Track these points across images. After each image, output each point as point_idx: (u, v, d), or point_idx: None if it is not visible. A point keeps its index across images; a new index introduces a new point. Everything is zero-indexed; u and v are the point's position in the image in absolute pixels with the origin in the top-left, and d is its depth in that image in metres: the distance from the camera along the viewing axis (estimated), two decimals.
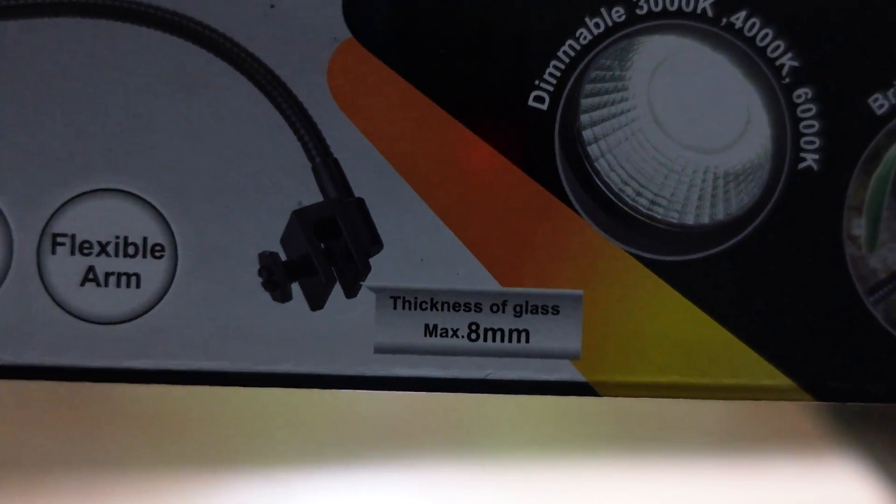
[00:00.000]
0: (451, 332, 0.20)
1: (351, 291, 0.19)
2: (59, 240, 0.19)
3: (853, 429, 0.45)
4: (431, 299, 0.20)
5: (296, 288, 0.19)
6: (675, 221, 0.20)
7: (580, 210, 0.20)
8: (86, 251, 0.19)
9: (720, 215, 0.20)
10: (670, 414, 0.49)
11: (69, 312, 0.19)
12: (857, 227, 0.20)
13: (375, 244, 0.19)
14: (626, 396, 0.20)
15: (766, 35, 0.20)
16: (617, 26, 0.20)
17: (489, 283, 0.20)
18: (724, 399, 0.20)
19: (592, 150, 0.20)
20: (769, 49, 0.20)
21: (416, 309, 0.20)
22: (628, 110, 0.20)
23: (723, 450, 0.48)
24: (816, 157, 0.20)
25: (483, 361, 0.20)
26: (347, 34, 0.19)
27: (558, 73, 0.20)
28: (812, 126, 0.20)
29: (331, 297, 0.19)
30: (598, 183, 0.20)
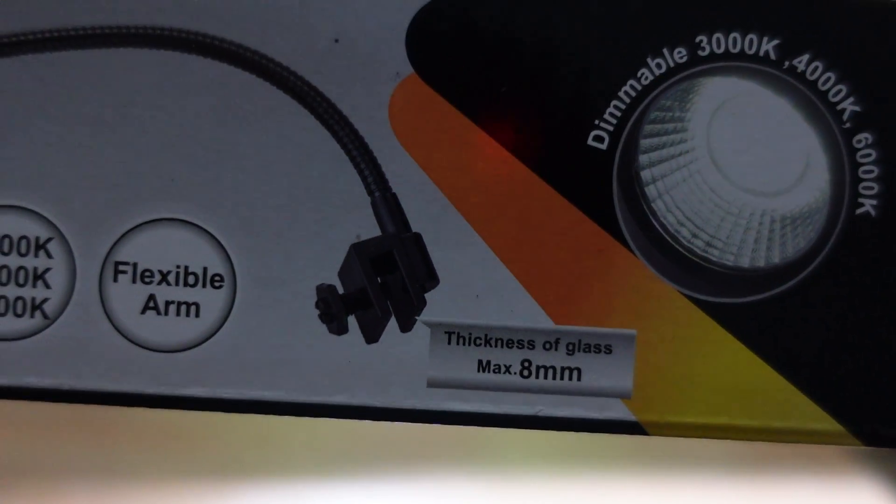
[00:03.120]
0: (503, 369, 0.20)
1: (406, 326, 0.20)
2: (122, 268, 0.19)
3: (879, 452, 0.45)
4: (485, 335, 0.20)
5: (352, 321, 0.20)
6: (730, 264, 0.20)
7: (636, 250, 0.20)
8: (147, 280, 0.19)
9: (776, 259, 0.20)
10: None
11: (129, 339, 0.19)
12: None
13: (432, 279, 0.20)
14: (676, 436, 0.20)
15: (829, 79, 0.20)
16: (679, 67, 0.20)
17: (543, 321, 0.20)
18: (774, 441, 0.21)
19: (650, 190, 0.20)
20: (831, 93, 0.20)
21: (469, 344, 0.20)
22: (687, 152, 0.20)
23: (742, 470, 0.48)
24: (875, 202, 0.20)
25: (535, 398, 0.20)
26: (410, 70, 0.19)
27: (618, 114, 0.20)
28: (871, 171, 0.20)
29: (386, 331, 0.20)
30: (655, 223, 0.20)
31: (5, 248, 0.19)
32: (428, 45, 0.19)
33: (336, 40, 0.19)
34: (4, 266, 0.19)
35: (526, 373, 0.20)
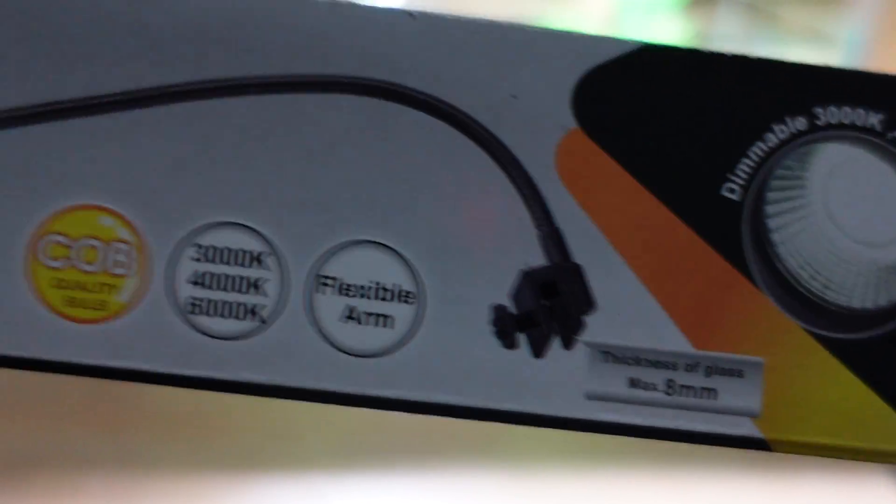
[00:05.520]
0: (650, 386, 0.23)
1: (568, 344, 0.22)
2: (327, 281, 0.22)
3: None
4: (636, 356, 0.23)
5: (521, 337, 0.22)
6: (843, 304, 0.23)
7: (763, 287, 0.23)
8: (348, 293, 0.22)
9: (883, 301, 0.23)
10: None
11: (331, 344, 0.22)
12: None
13: (590, 305, 0.23)
14: (797, 454, 0.23)
15: None
16: (800, 133, 0.23)
17: (685, 346, 0.23)
18: (883, 462, 0.23)
19: (774, 237, 0.23)
20: None
21: (621, 363, 0.23)
22: (806, 206, 0.23)
23: (753, 462, 0.48)
24: None
25: (676, 413, 0.23)
26: (574, 124, 0.23)
27: (748, 170, 0.23)
28: None
29: (550, 348, 0.22)
30: (778, 266, 0.23)
31: (229, 259, 0.22)
32: (590, 103, 0.23)
33: (514, 96, 0.23)
34: (228, 275, 0.22)
35: (669, 391, 0.23)
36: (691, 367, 0.23)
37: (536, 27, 0.23)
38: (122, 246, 0.21)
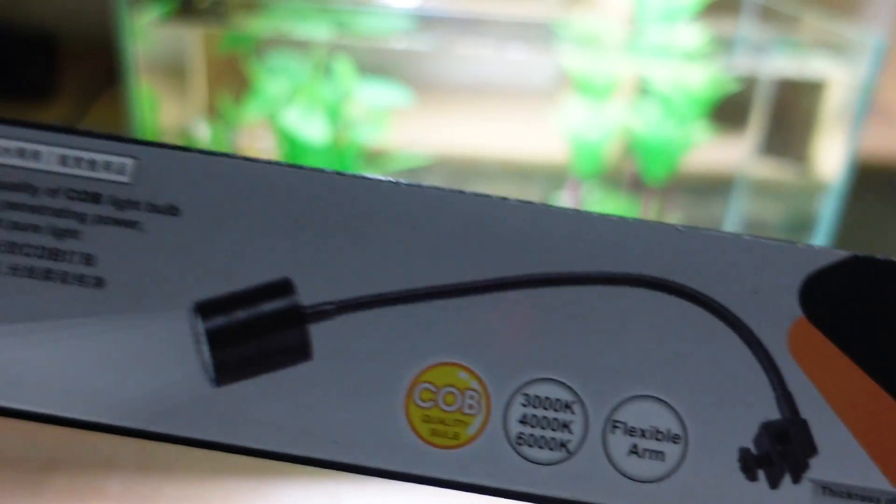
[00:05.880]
0: None
1: (796, 480, 0.30)
2: (617, 425, 0.30)
3: None
4: (848, 492, 0.30)
5: (761, 472, 0.30)
6: None
7: None
8: (632, 433, 0.30)
9: None
10: None
11: (619, 472, 0.30)
12: None
13: (813, 451, 0.30)
14: None
15: None
16: None
17: (885, 485, 0.30)
18: None
19: None
20: None
21: (837, 497, 0.30)
22: None
23: None
24: None
25: None
26: (800, 314, 0.31)
27: None
28: None
29: (783, 482, 0.30)
30: None
31: (546, 405, 0.30)
32: (813, 298, 0.31)
33: (755, 292, 0.31)
34: (546, 417, 0.30)
35: None
36: (890, 501, 0.30)
37: (773, 240, 0.31)
38: (473, 393, 0.30)
